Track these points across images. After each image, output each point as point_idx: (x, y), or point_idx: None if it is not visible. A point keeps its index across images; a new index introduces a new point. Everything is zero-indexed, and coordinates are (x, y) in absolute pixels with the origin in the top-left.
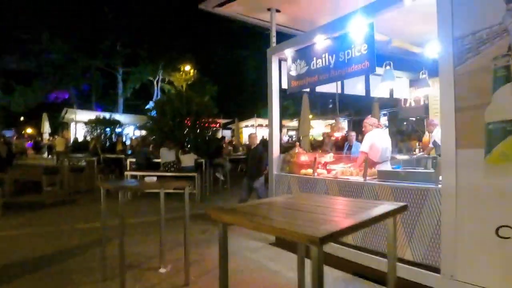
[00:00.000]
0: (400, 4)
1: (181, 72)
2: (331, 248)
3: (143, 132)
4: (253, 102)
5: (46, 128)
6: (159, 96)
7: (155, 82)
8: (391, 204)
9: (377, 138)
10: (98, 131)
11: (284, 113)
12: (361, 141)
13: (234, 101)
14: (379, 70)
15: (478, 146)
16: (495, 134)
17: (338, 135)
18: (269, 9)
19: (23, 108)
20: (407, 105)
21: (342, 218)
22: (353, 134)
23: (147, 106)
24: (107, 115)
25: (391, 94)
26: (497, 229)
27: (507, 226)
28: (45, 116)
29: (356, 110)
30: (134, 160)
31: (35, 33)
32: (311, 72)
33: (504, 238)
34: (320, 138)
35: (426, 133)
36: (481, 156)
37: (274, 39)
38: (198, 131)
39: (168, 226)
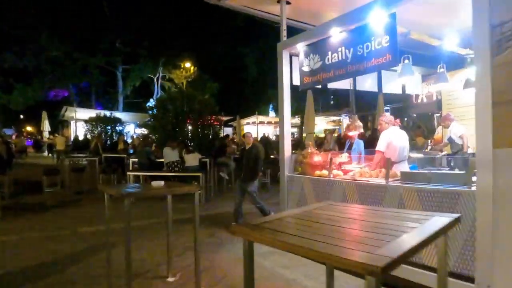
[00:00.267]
0: None
1: (181, 69)
2: None
3: (144, 130)
4: (254, 100)
5: (46, 126)
6: (159, 94)
7: (155, 80)
8: (443, 216)
9: (394, 137)
10: (99, 129)
11: None
12: (364, 139)
13: (234, 99)
14: None
15: None
16: None
17: (353, 134)
18: (278, 1)
19: (23, 106)
20: (419, 101)
21: (396, 237)
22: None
23: (148, 104)
24: (107, 113)
25: (403, 90)
26: None
27: None
28: (44, 115)
29: (358, 106)
30: (136, 159)
31: (34, 31)
32: (326, 67)
33: None
34: (322, 135)
35: (439, 129)
36: None
37: (284, 33)
38: (201, 129)
39: (173, 229)
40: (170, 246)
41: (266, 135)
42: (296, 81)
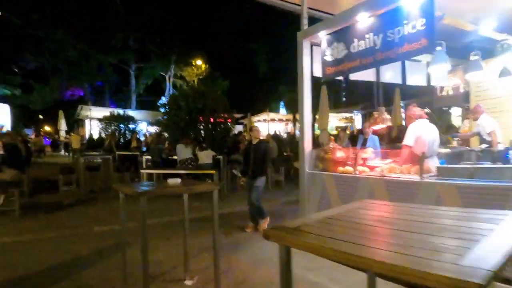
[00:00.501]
0: None
1: (193, 67)
2: None
3: (157, 128)
4: (264, 97)
5: (63, 125)
6: (171, 92)
7: (167, 77)
8: None
9: (423, 130)
10: (113, 127)
11: (297, 106)
12: (377, 135)
13: (245, 96)
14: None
15: None
16: None
17: (378, 127)
18: None
19: (41, 106)
20: (443, 93)
21: (477, 242)
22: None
23: (160, 102)
24: (120, 111)
25: (429, 81)
26: None
27: None
28: (61, 114)
29: (372, 101)
30: (149, 157)
31: (51, 31)
32: (352, 56)
33: None
34: (333, 133)
35: (465, 122)
36: None
37: (305, 21)
38: (215, 126)
39: (188, 229)
40: (186, 247)
41: (278, 133)
42: (317, 73)
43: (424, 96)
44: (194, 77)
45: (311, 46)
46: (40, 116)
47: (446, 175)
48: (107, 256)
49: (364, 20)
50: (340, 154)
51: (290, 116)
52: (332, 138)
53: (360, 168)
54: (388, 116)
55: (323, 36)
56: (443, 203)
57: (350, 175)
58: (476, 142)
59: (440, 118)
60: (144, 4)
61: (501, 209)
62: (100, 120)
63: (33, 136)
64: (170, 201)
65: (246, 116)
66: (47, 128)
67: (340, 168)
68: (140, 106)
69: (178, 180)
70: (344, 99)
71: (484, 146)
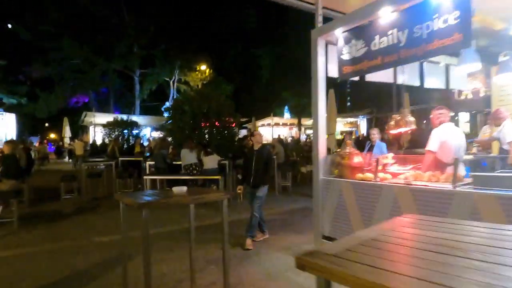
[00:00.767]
0: None
1: (197, 72)
2: None
3: (160, 133)
4: (269, 101)
5: (67, 132)
6: (175, 97)
7: (171, 83)
8: None
9: (449, 134)
10: (116, 133)
11: (302, 111)
12: (385, 141)
13: (249, 100)
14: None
15: None
16: None
17: (395, 132)
18: None
19: (47, 114)
20: (461, 97)
21: None
22: (376, 132)
23: (164, 106)
24: (124, 117)
25: (447, 84)
26: None
27: None
28: (65, 121)
29: (378, 106)
30: (153, 163)
31: (56, 39)
32: (372, 54)
33: None
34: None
35: (484, 128)
36: None
37: (320, 18)
38: (220, 130)
39: (194, 239)
40: (192, 260)
41: (282, 137)
42: (332, 73)
43: (441, 101)
44: (198, 82)
45: (326, 45)
46: (46, 124)
47: (484, 184)
48: (108, 270)
49: (387, 16)
50: (358, 159)
51: (295, 121)
52: (349, 142)
53: (381, 175)
54: (412, 119)
55: (339, 33)
56: (481, 216)
57: (370, 182)
58: (497, 148)
59: None
60: (148, 10)
61: None
62: (104, 126)
63: (37, 144)
64: (174, 208)
65: (250, 121)
66: (52, 135)
67: (359, 175)
68: (144, 111)
69: (184, 189)
70: (348, 103)
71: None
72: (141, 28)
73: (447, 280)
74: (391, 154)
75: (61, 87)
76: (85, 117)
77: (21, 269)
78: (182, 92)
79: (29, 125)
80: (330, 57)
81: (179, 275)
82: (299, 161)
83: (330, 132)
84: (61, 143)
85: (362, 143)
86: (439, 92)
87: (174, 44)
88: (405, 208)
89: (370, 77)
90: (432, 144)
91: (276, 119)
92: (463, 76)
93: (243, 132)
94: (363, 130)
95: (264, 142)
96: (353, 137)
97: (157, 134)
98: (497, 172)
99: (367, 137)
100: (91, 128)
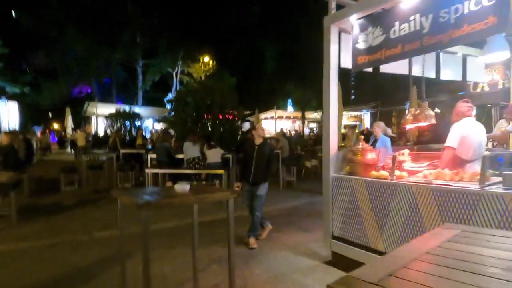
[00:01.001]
0: None
1: (200, 63)
2: None
3: (163, 125)
4: (272, 94)
5: (69, 122)
6: (178, 88)
7: (174, 74)
8: None
9: (470, 130)
10: (118, 124)
11: (307, 105)
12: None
13: (252, 93)
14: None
15: None
16: None
17: (421, 125)
18: None
19: (49, 104)
20: (478, 90)
21: None
22: (377, 126)
23: (167, 98)
24: (126, 107)
25: (464, 76)
26: None
27: None
28: (68, 111)
29: (384, 98)
30: (155, 156)
31: (60, 28)
32: (391, 41)
33: None
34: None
35: (500, 122)
36: None
37: (333, 4)
38: (222, 123)
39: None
40: (195, 260)
41: (285, 130)
42: (345, 63)
43: (455, 94)
44: (201, 74)
45: (339, 33)
46: (50, 114)
47: None
48: (108, 268)
49: (408, 0)
50: (371, 155)
51: (298, 114)
52: (362, 137)
53: (397, 172)
54: (431, 113)
55: (354, 20)
56: None
57: (387, 181)
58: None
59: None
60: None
61: None
62: (106, 117)
63: (39, 134)
64: None
65: (253, 113)
66: (55, 125)
67: (374, 173)
68: (147, 102)
69: (187, 187)
70: (353, 97)
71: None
72: (144, 18)
73: None
74: (407, 151)
75: (64, 76)
76: (87, 107)
77: (19, 265)
78: (185, 83)
79: (32, 115)
80: (343, 47)
81: (181, 275)
82: (304, 155)
83: (337, 126)
84: (63, 133)
85: (366, 138)
86: (453, 84)
87: (177, 35)
88: (424, 209)
89: (384, 69)
90: (453, 139)
91: (280, 112)
92: (481, 67)
93: (246, 126)
94: (367, 124)
95: (267, 135)
96: (357, 131)
97: (159, 126)
98: None
99: (371, 132)
100: (93, 119)
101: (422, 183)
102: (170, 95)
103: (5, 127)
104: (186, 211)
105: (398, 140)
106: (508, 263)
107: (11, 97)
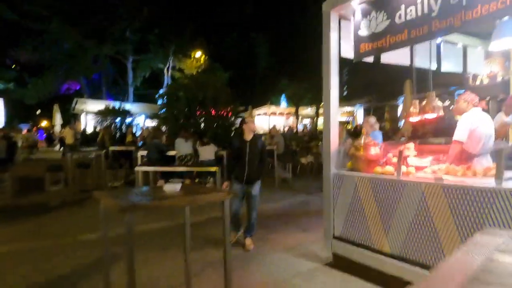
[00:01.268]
0: None
1: (192, 59)
2: None
3: (155, 122)
4: (265, 90)
5: (58, 119)
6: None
7: (165, 70)
8: None
9: (478, 121)
10: (108, 121)
11: (300, 100)
12: (381, 130)
13: (245, 89)
14: (453, 37)
15: None
16: None
17: (429, 117)
18: None
19: (36, 100)
20: (477, 82)
21: None
22: (366, 121)
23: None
24: (116, 104)
25: (464, 68)
26: None
27: None
28: (56, 108)
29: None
30: (145, 153)
31: (45, 21)
32: (397, 27)
33: None
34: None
35: (499, 115)
36: None
37: None
38: (217, 119)
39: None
40: (188, 264)
41: (278, 127)
42: (346, 53)
43: (456, 86)
44: (193, 70)
45: (339, 20)
46: (39, 111)
47: None
48: (92, 274)
49: None
50: (375, 151)
51: (292, 110)
52: (365, 130)
53: (404, 168)
54: (439, 104)
55: (356, 5)
56: None
57: (393, 178)
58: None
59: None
60: None
61: None
62: (95, 113)
63: (25, 132)
64: None
65: (246, 109)
66: (44, 123)
67: (378, 169)
68: (138, 99)
69: (178, 186)
70: (345, 92)
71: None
72: (134, 11)
73: None
74: (412, 145)
75: (51, 72)
76: (76, 104)
77: None
78: (176, 78)
79: (19, 112)
80: (342, 36)
81: (173, 280)
82: (299, 152)
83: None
84: (51, 131)
85: (359, 134)
86: (451, 76)
87: (168, 29)
88: (435, 209)
89: (386, 59)
90: (461, 133)
91: (273, 108)
92: (479, 58)
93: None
94: (360, 120)
95: (261, 132)
96: (349, 127)
97: (151, 123)
98: None
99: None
100: (82, 116)
101: (431, 180)
102: (162, 92)
103: None
104: (178, 210)
105: (392, 135)
106: None
107: None
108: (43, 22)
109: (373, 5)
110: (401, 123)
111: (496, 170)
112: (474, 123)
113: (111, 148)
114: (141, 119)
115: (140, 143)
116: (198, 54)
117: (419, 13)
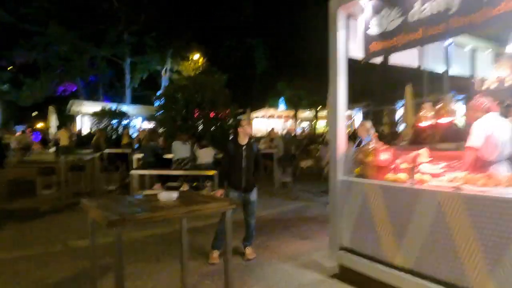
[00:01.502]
0: None
1: (190, 61)
2: None
3: (152, 124)
4: (263, 92)
5: (53, 121)
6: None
7: (163, 72)
8: None
9: (495, 127)
10: (104, 123)
11: (298, 103)
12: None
13: (243, 92)
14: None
15: None
16: None
17: (443, 121)
18: None
19: (31, 102)
20: (484, 87)
21: None
22: (361, 125)
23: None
24: (113, 106)
25: (473, 72)
26: None
27: None
28: (51, 109)
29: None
30: (141, 155)
31: (42, 24)
32: (410, 25)
33: None
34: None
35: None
36: None
37: None
38: (215, 121)
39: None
40: (184, 276)
41: (276, 130)
42: (354, 52)
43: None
44: (191, 72)
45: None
46: (35, 113)
47: None
48: (83, 284)
49: None
50: (385, 156)
51: (291, 113)
52: (376, 134)
53: (418, 176)
54: (454, 108)
55: (366, 2)
56: None
57: (405, 186)
58: None
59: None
60: None
61: None
62: (92, 115)
63: (18, 133)
64: None
65: (244, 112)
66: (40, 125)
67: (390, 176)
68: (135, 101)
69: (174, 195)
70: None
71: None
72: (131, 14)
73: None
74: (424, 150)
75: (47, 74)
76: (71, 106)
77: None
78: (174, 80)
79: (15, 114)
80: (350, 35)
81: None
82: (299, 155)
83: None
84: (46, 133)
85: (354, 139)
86: (457, 80)
87: (165, 32)
88: (453, 221)
89: (395, 60)
90: (476, 139)
91: (271, 111)
92: (488, 61)
93: None
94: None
95: (259, 135)
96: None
97: (148, 125)
98: None
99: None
100: (78, 118)
101: (449, 188)
102: (159, 93)
103: None
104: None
105: (391, 140)
106: None
107: None
108: (39, 23)
109: (384, 2)
110: (400, 128)
111: None
112: (490, 129)
113: (107, 150)
114: (138, 121)
115: (136, 146)
116: (196, 56)
117: (436, 11)
